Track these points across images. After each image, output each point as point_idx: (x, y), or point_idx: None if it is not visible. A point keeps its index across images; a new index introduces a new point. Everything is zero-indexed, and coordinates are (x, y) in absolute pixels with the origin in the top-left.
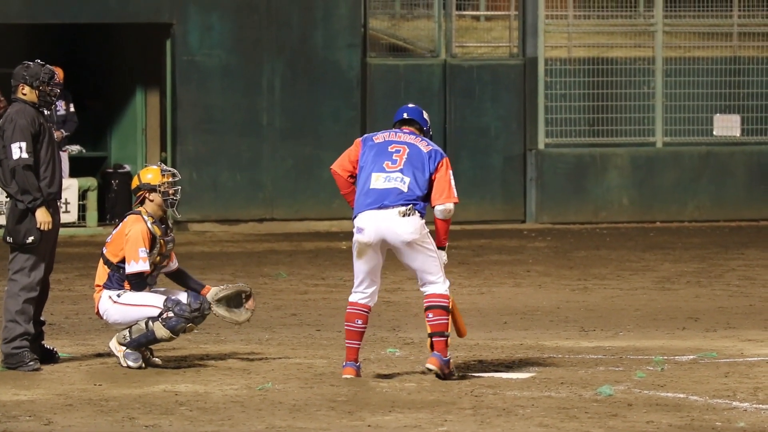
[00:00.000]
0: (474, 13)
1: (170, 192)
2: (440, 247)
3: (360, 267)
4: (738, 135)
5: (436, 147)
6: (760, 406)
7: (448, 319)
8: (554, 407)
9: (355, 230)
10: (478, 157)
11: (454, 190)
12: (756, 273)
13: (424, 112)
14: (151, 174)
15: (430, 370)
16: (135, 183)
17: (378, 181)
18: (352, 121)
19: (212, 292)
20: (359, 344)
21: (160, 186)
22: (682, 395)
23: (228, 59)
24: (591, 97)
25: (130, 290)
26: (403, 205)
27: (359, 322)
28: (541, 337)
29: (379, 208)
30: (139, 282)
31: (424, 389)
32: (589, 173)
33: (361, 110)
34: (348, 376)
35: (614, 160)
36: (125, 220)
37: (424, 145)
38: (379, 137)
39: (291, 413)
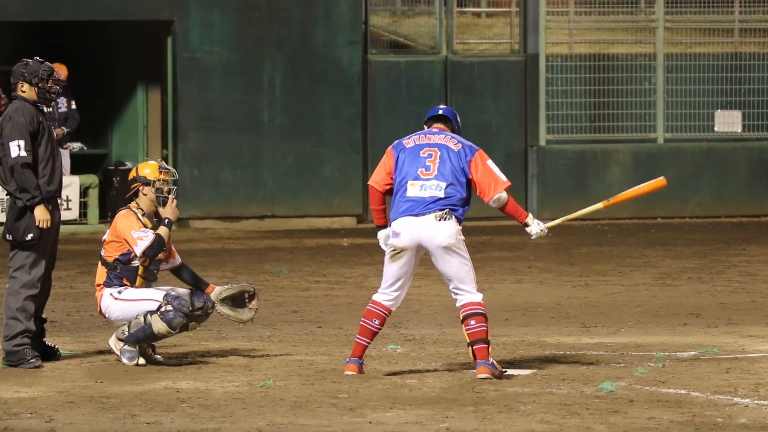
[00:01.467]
0: (475, 9)
1: (164, 190)
2: (525, 224)
3: (391, 271)
4: (739, 131)
5: (467, 143)
6: (762, 402)
7: (486, 326)
8: (555, 403)
9: (391, 234)
10: None
11: (501, 177)
12: (757, 269)
13: (457, 115)
14: (148, 169)
15: (487, 380)
16: (132, 175)
17: (414, 189)
18: (353, 119)
19: (216, 291)
20: (369, 343)
21: (154, 182)
22: (683, 391)
23: (229, 56)
24: (592, 93)
25: (138, 286)
26: (440, 210)
27: (376, 321)
28: (543, 333)
29: (417, 215)
30: (153, 248)
31: (426, 386)
32: (590, 169)
33: (362, 107)
34: (350, 373)
35: (615, 156)
36: (115, 217)
37: (454, 144)
38: (410, 141)
39: (292, 410)
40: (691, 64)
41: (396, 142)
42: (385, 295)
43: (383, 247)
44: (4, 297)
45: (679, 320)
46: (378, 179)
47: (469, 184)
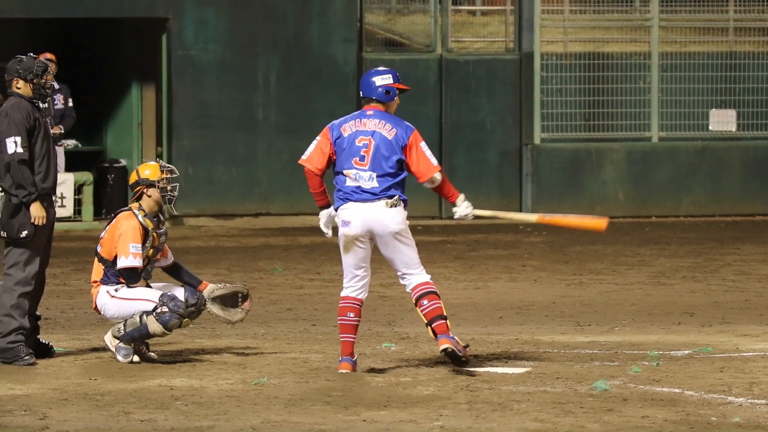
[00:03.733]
0: (470, 8)
1: (168, 188)
2: (454, 204)
3: (348, 260)
4: (734, 130)
5: (401, 125)
6: (756, 401)
7: (441, 303)
8: (550, 402)
9: (341, 224)
10: (474, 151)
11: (432, 160)
12: (751, 268)
13: (382, 77)
14: (149, 170)
15: (445, 350)
16: (133, 178)
17: (350, 178)
18: None
19: (209, 289)
20: (354, 338)
21: (158, 182)
22: (677, 390)
23: (224, 54)
24: (587, 92)
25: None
26: (388, 197)
27: (351, 315)
28: (537, 332)
29: (365, 201)
30: (131, 277)
31: (420, 384)
32: (584, 168)
33: (357, 105)
34: (344, 371)
35: (610, 155)
36: (117, 217)
37: (388, 130)
38: (346, 128)
39: (286, 408)
40: (685, 62)
41: (333, 123)
42: (351, 288)
43: (323, 228)
44: None
45: (673, 319)
46: (315, 162)
47: (403, 165)
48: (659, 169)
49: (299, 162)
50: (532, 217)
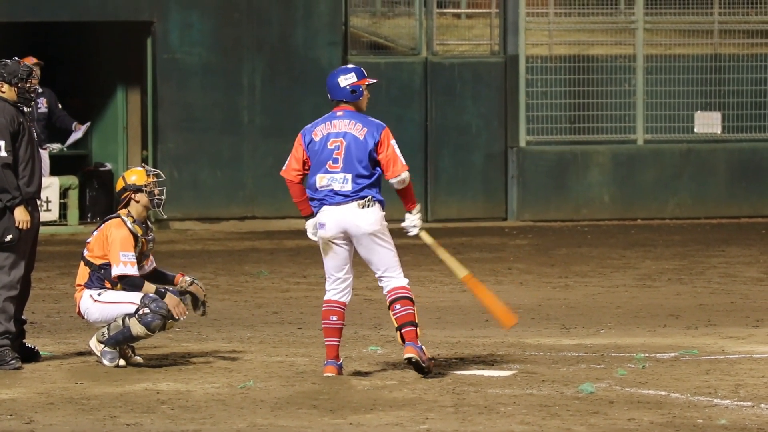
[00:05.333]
0: (455, 11)
1: (156, 192)
2: (409, 211)
3: (329, 263)
4: (719, 132)
5: (373, 125)
6: (742, 403)
7: (414, 309)
8: (536, 405)
9: (317, 227)
10: (460, 154)
11: (401, 159)
12: (737, 270)
13: (346, 76)
14: (135, 175)
15: (409, 359)
16: (120, 185)
17: (322, 182)
18: None
19: (180, 283)
20: (338, 341)
21: (146, 186)
22: (663, 392)
23: (208, 57)
24: (572, 94)
25: (119, 289)
26: (360, 199)
27: (334, 318)
28: (523, 334)
29: (338, 203)
30: (129, 283)
31: (406, 387)
32: (570, 171)
33: None
34: (329, 375)
35: (595, 158)
36: (106, 224)
37: (359, 130)
38: (317, 132)
39: (272, 411)
40: (670, 65)
41: (304, 129)
42: (333, 291)
43: (311, 237)
44: None
45: (659, 321)
46: (291, 171)
47: (377, 163)
48: (644, 172)
49: (280, 174)
50: (461, 273)
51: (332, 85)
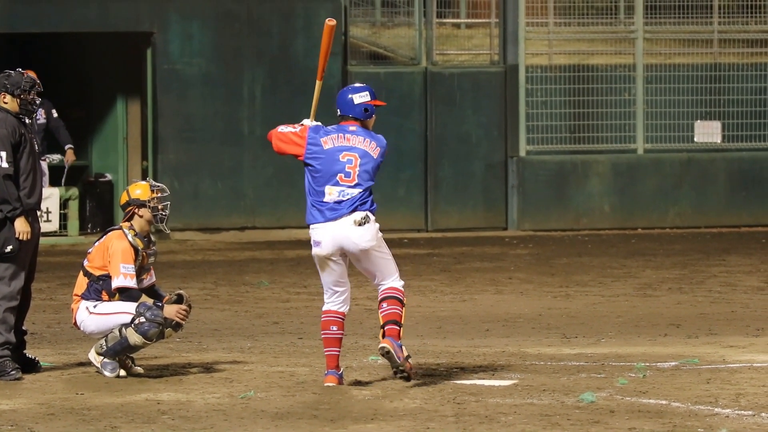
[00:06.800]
0: (454, 20)
1: (159, 207)
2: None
3: (326, 278)
4: (719, 141)
5: (381, 142)
6: (742, 412)
7: (402, 310)
8: (536, 414)
9: (312, 244)
10: (460, 164)
11: None
12: (737, 279)
13: (360, 94)
14: (140, 189)
15: (382, 349)
16: (124, 199)
17: (332, 195)
18: None
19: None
20: (338, 351)
21: (149, 201)
22: (664, 402)
23: (208, 68)
24: (572, 104)
25: (116, 300)
26: (357, 212)
27: (334, 328)
28: (523, 344)
29: (334, 219)
30: (129, 296)
31: (407, 397)
32: (570, 180)
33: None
34: (330, 384)
35: (595, 167)
36: (107, 235)
37: (373, 149)
38: (328, 141)
39: (273, 421)
40: (670, 74)
41: (314, 126)
42: (332, 303)
43: (306, 122)
44: None
45: (659, 331)
46: (285, 146)
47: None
48: (645, 181)
49: (269, 133)
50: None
51: (345, 101)
